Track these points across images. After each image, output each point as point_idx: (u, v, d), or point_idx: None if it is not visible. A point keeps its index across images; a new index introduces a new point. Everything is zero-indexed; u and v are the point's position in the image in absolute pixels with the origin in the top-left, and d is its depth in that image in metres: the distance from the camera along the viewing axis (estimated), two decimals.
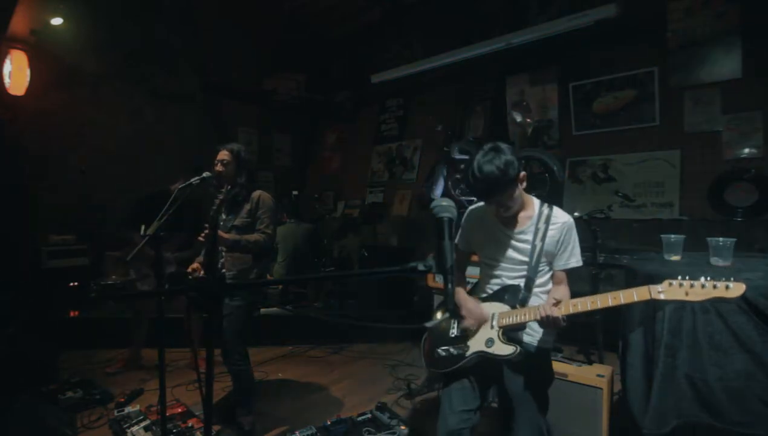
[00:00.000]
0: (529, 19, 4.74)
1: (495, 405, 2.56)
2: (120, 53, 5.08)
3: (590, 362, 2.73)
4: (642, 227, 3.97)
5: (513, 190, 1.61)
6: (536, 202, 1.76)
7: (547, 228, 1.68)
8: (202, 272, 2.61)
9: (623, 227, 4.04)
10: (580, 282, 3.32)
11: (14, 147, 4.37)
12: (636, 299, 1.42)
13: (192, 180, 2.63)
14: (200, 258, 2.76)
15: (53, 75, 4.62)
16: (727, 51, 3.68)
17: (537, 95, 4.84)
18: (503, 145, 1.61)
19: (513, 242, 1.72)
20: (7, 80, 4.32)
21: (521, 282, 1.71)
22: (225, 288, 1.90)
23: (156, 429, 2.56)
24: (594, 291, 2.87)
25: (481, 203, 1.79)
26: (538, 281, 1.71)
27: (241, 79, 6.36)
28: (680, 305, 1.76)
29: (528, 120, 4.93)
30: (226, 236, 2.48)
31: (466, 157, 3.99)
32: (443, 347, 1.77)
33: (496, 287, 1.77)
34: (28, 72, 4.43)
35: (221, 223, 2.61)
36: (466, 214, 1.89)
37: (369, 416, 2.72)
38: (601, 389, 2.22)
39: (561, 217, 1.71)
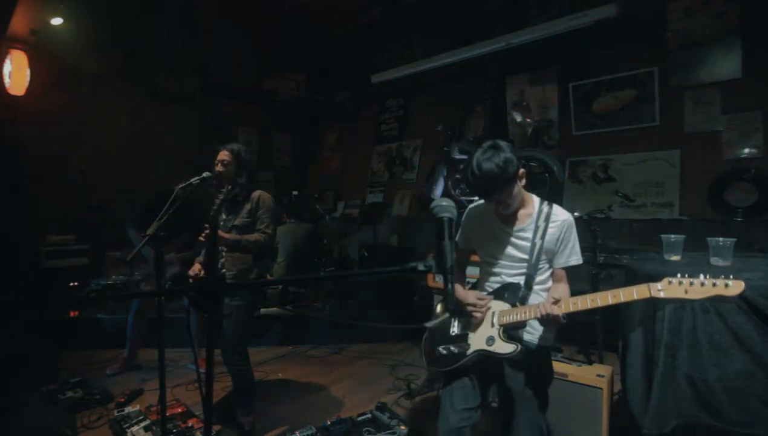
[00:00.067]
0: (529, 19, 4.75)
1: (495, 405, 2.57)
2: (120, 53, 5.08)
3: (590, 362, 2.73)
4: (642, 226, 3.97)
5: (512, 188, 1.61)
6: (536, 199, 1.76)
7: (547, 226, 1.68)
8: (202, 273, 2.61)
9: (623, 227, 4.04)
10: (580, 282, 3.32)
11: (14, 147, 4.37)
12: (636, 297, 1.42)
13: (192, 180, 2.63)
14: (200, 258, 2.76)
15: (53, 75, 4.62)
16: (727, 51, 3.68)
17: (537, 95, 4.84)
18: (502, 143, 1.61)
19: (513, 240, 1.73)
20: (7, 80, 4.32)
21: (521, 280, 1.71)
22: (225, 288, 1.91)
23: (156, 429, 2.55)
24: (594, 291, 2.87)
25: (481, 201, 1.80)
26: (538, 278, 1.72)
27: (241, 79, 6.37)
28: (680, 305, 1.77)
29: (528, 120, 4.93)
30: (226, 235, 2.48)
31: (466, 157, 3.99)
32: (444, 346, 1.77)
33: (496, 285, 1.77)
34: (28, 72, 4.43)
35: (221, 223, 2.61)
36: (465, 213, 1.89)
37: (369, 416, 2.72)
38: (601, 389, 2.22)
39: (561, 214, 1.71)
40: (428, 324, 1.74)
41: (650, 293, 1.39)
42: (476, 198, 1.95)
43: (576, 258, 1.71)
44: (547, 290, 1.74)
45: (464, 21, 5.36)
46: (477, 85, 5.44)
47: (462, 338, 1.74)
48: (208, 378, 1.20)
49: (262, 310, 4.16)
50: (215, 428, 2.59)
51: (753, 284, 1.64)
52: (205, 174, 2.61)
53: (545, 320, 1.55)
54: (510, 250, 1.73)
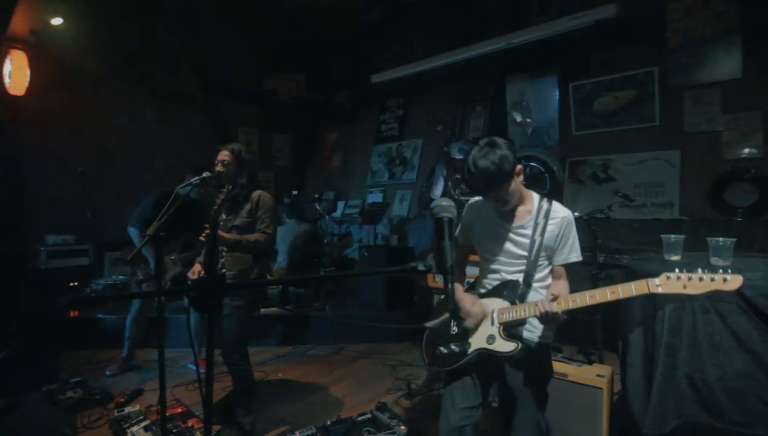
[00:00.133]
0: (529, 19, 4.75)
1: (495, 405, 2.57)
2: (120, 53, 5.09)
3: (590, 362, 2.73)
4: (642, 226, 3.97)
5: (508, 185, 1.61)
6: (535, 196, 1.75)
7: (547, 223, 1.67)
8: (202, 273, 2.61)
9: (623, 227, 4.04)
10: (580, 282, 3.32)
11: (14, 147, 4.37)
12: (634, 292, 1.41)
13: (192, 180, 2.63)
14: (201, 258, 2.76)
15: (53, 75, 4.63)
16: (727, 51, 3.68)
17: (537, 95, 4.84)
18: (499, 140, 1.61)
19: (512, 236, 1.72)
20: (7, 80, 4.33)
21: (520, 277, 1.70)
22: (225, 288, 1.91)
23: (156, 429, 2.55)
24: None
25: (481, 197, 1.79)
26: (537, 275, 1.71)
27: (241, 79, 6.37)
28: (680, 305, 1.77)
29: (528, 120, 4.93)
30: (226, 235, 2.48)
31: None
32: (445, 346, 1.77)
33: (495, 283, 1.77)
34: (28, 72, 4.43)
35: (221, 223, 2.61)
36: (465, 208, 1.89)
37: (369, 416, 2.72)
38: (601, 389, 2.22)
39: (560, 211, 1.70)
40: (428, 324, 1.74)
41: (649, 288, 1.38)
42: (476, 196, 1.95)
43: (576, 255, 1.71)
44: (547, 287, 1.74)
45: (464, 21, 5.36)
46: (477, 85, 5.44)
47: (462, 337, 1.74)
48: (208, 378, 1.20)
49: (262, 310, 4.17)
50: (215, 428, 2.58)
51: (753, 284, 1.64)
52: (205, 174, 2.61)
53: (544, 318, 1.55)
54: (509, 246, 1.73)
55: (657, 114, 4.04)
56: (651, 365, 1.85)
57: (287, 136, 7.20)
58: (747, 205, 3.52)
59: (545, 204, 1.71)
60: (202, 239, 2.46)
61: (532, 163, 4.04)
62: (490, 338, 1.67)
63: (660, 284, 1.37)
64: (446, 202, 1.25)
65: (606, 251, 3.46)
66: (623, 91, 4.23)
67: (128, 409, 2.78)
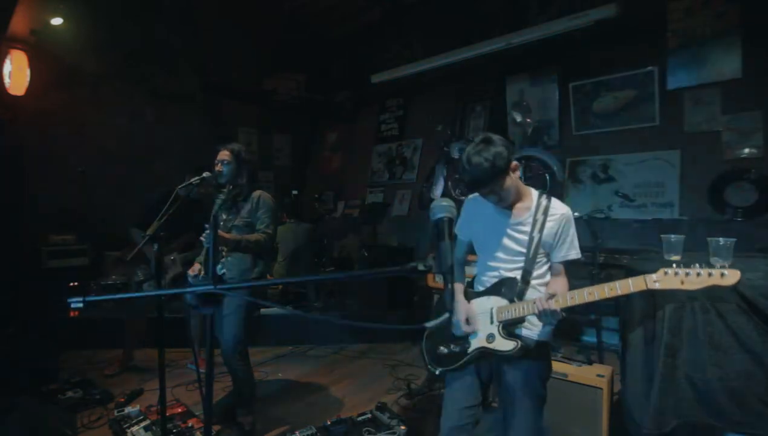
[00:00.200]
0: (529, 19, 4.75)
1: (495, 405, 2.56)
2: (120, 53, 5.08)
3: (590, 362, 2.73)
4: (642, 227, 3.97)
5: (503, 181, 1.61)
6: (534, 193, 1.75)
7: (545, 220, 1.67)
8: (202, 273, 2.61)
9: (623, 227, 4.04)
10: (580, 282, 3.33)
11: (14, 147, 4.37)
12: (632, 288, 1.42)
13: (192, 180, 2.63)
14: (201, 258, 2.76)
15: (53, 75, 4.62)
16: (727, 51, 3.68)
17: (537, 95, 4.84)
18: (495, 137, 1.62)
19: (510, 233, 1.72)
20: (7, 80, 4.32)
21: (518, 274, 1.70)
22: (225, 288, 1.90)
23: (156, 429, 2.56)
24: None
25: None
26: (536, 272, 1.71)
27: (241, 79, 6.36)
28: (680, 305, 1.77)
29: (528, 120, 4.93)
30: (227, 235, 2.48)
31: None
32: (445, 345, 1.78)
33: (494, 280, 1.76)
34: (28, 72, 4.43)
35: (221, 223, 2.61)
36: (465, 203, 1.89)
37: (369, 416, 2.72)
38: (601, 389, 2.22)
39: (559, 208, 1.70)
40: (428, 324, 1.74)
41: (646, 284, 1.39)
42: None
43: (575, 252, 1.71)
44: (545, 284, 1.73)
45: (464, 21, 5.36)
46: (477, 85, 5.44)
47: (462, 337, 1.74)
48: (208, 378, 1.20)
49: (262, 310, 4.18)
50: (215, 428, 2.59)
51: (753, 284, 1.65)
52: (205, 174, 2.61)
53: (543, 315, 1.55)
54: (508, 243, 1.72)
55: (657, 114, 4.04)
56: (651, 365, 1.85)
57: (287, 136, 7.19)
58: (747, 205, 3.52)
59: (544, 201, 1.71)
60: (202, 239, 2.46)
61: (532, 163, 4.04)
62: (490, 337, 1.67)
63: (657, 280, 1.37)
64: (446, 202, 1.25)
65: (606, 251, 3.46)
66: (623, 91, 4.22)
67: (128, 409, 2.78)
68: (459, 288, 1.84)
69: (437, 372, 1.80)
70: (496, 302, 1.70)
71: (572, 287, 1.75)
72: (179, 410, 2.83)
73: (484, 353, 1.68)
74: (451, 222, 1.17)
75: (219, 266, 2.58)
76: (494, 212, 1.75)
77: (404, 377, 3.45)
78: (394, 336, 4.38)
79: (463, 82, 5.52)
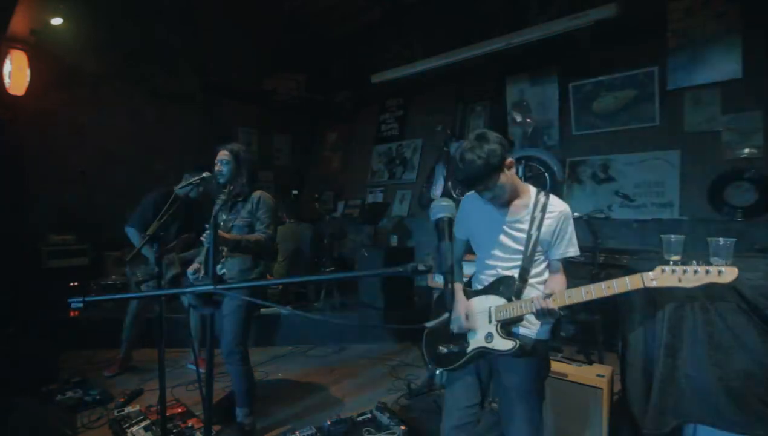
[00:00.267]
0: (529, 19, 4.75)
1: (495, 405, 2.56)
2: (120, 53, 5.09)
3: (590, 362, 2.73)
4: (642, 227, 3.97)
5: (497, 178, 1.59)
6: (532, 190, 1.74)
7: (543, 217, 1.66)
8: (202, 273, 2.61)
9: (623, 227, 4.04)
10: (580, 282, 3.33)
11: (14, 147, 4.37)
12: (629, 287, 1.41)
13: (192, 180, 2.63)
14: (201, 258, 2.75)
15: (53, 75, 4.62)
16: (727, 51, 3.68)
17: (537, 95, 4.84)
18: (490, 134, 1.61)
19: (508, 231, 1.71)
20: (7, 80, 4.32)
21: (516, 272, 1.69)
22: (225, 288, 1.90)
23: (156, 429, 2.55)
24: None
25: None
26: (534, 271, 1.70)
27: (241, 79, 6.37)
28: (680, 305, 1.77)
29: (528, 120, 4.93)
30: (227, 236, 2.48)
31: None
32: (444, 345, 1.77)
33: (491, 279, 1.75)
34: (28, 72, 4.43)
35: (221, 223, 2.61)
36: (462, 201, 1.88)
37: (369, 416, 2.72)
38: (601, 389, 2.22)
39: (558, 205, 1.69)
40: (428, 324, 1.74)
41: (643, 282, 1.38)
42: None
43: (573, 250, 1.69)
44: (544, 282, 1.72)
45: (464, 21, 5.36)
46: (477, 85, 5.44)
47: (461, 336, 1.74)
48: (208, 378, 1.20)
49: (262, 310, 4.18)
50: (215, 428, 2.58)
51: (753, 284, 1.65)
52: (205, 174, 2.61)
53: (540, 314, 1.55)
54: (505, 240, 1.71)
55: (657, 114, 4.04)
56: (651, 365, 1.85)
57: (287, 136, 7.20)
58: (747, 205, 3.52)
59: (542, 198, 1.70)
60: (203, 239, 2.46)
61: (532, 163, 4.05)
62: (488, 337, 1.67)
63: (654, 278, 1.37)
64: (445, 202, 1.25)
65: (606, 251, 3.46)
66: (623, 91, 4.22)
67: (128, 409, 2.78)
68: (458, 287, 1.84)
69: (437, 372, 1.80)
70: (494, 300, 1.70)
71: (572, 286, 1.75)
72: (179, 410, 2.83)
73: (483, 352, 1.68)
74: (451, 222, 1.17)
75: (219, 266, 2.57)
76: (491, 210, 1.74)
77: (404, 377, 3.45)
78: (394, 336, 4.38)
79: (463, 82, 5.52)
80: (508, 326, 1.66)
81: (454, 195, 4.49)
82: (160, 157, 5.24)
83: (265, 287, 3.68)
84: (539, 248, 1.68)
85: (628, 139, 4.21)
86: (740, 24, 3.61)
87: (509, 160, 1.62)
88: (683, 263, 1.33)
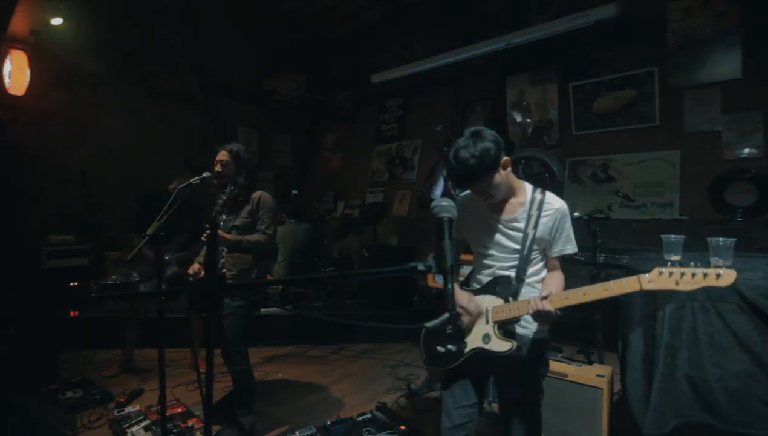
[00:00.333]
0: (529, 19, 4.75)
1: (495, 404, 2.57)
2: (120, 53, 5.09)
3: (590, 362, 2.73)
4: (642, 227, 3.97)
5: (491, 178, 1.57)
6: (528, 187, 1.72)
7: (540, 215, 1.64)
8: (202, 273, 2.61)
9: (623, 227, 4.04)
10: (579, 282, 3.32)
11: (14, 147, 4.37)
12: (626, 289, 1.40)
13: (192, 180, 2.63)
14: (200, 258, 2.76)
15: (53, 75, 4.63)
16: (727, 51, 3.68)
17: (537, 95, 4.84)
18: (485, 132, 1.59)
19: (505, 230, 1.69)
20: (7, 80, 4.33)
21: (513, 271, 1.68)
22: (225, 288, 1.91)
23: (156, 429, 2.56)
24: None
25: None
26: (531, 269, 1.68)
27: (241, 79, 6.37)
28: (680, 305, 1.77)
29: (528, 120, 4.93)
30: (227, 236, 2.49)
31: None
32: (441, 345, 1.77)
33: (488, 278, 1.74)
34: (28, 72, 4.43)
35: (221, 223, 2.62)
36: (458, 200, 1.87)
37: (369, 416, 2.72)
38: (601, 389, 2.22)
39: (554, 203, 1.67)
40: (428, 324, 1.74)
41: (640, 284, 1.37)
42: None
43: (571, 247, 1.68)
44: (541, 280, 1.71)
45: (464, 21, 5.36)
46: (477, 85, 5.44)
47: (458, 337, 1.73)
48: (208, 378, 1.20)
49: (262, 310, 4.18)
50: (215, 428, 2.59)
51: (753, 284, 1.65)
52: (205, 174, 2.61)
53: (538, 316, 1.54)
54: (502, 240, 1.70)
55: (657, 114, 4.04)
56: (651, 365, 1.85)
57: (287, 136, 7.20)
58: (747, 205, 3.52)
59: (538, 195, 1.68)
60: (204, 239, 2.46)
61: (532, 163, 4.04)
62: (486, 337, 1.65)
63: (652, 280, 1.35)
64: (446, 202, 1.25)
65: (606, 251, 3.46)
66: (623, 91, 4.22)
67: (128, 409, 2.79)
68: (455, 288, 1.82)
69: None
70: (491, 301, 1.68)
71: (571, 286, 1.74)
72: (179, 410, 2.83)
73: (480, 353, 1.68)
74: (452, 222, 1.17)
75: (219, 266, 2.57)
76: (487, 209, 1.72)
77: (404, 377, 3.45)
78: (394, 336, 4.38)
79: (463, 82, 5.52)
80: (505, 327, 1.65)
81: (455, 195, 4.49)
82: (160, 157, 5.24)
83: (265, 287, 3.67)
84: (536, 247, 1.67)
85: (628, 139, 4.21)
86: (740, 24, 3.61)
87: (505, 159, 1.60)
88: (682, 265, 1.32)
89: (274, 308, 4.31)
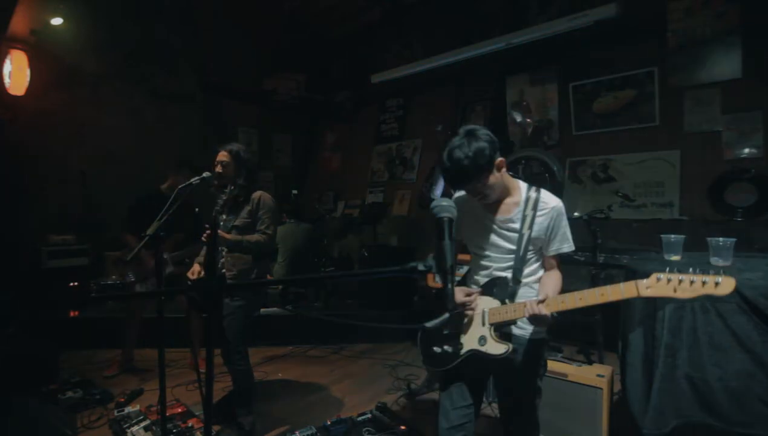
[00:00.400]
0: (529, 19, 4.74)
1: (495, 404, 2.57)
2: (120, 53, 5.09)
3: (590, 362, 2.73)
4: (642, 227, 3.97)
5: (485, 179, 1.55)
6: (523, 186, 1.70)
7: (535, 214, 1.62)
8: (202, 274, 2.61)
9: (623, 227, 4.04)
10: (580, 282, 3.33)
11: (14, 147, 4.37)
12: (623, 295, 1.38)
13: (192, 180, 2.63)
14: (200, 258, 2.76)
15: (53, 75, 4.63)
16: (727, 51, 3.68)
17: (537, 95, 4.84)
18: (480, 131, 1.56)
19: (500, 230, 1.68)
20: (7, 80, 4.33)
21: (509, 272, 1.66)
22: (225, 288, 1.91)
23: (156, 429, 2.56)
24: None
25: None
26: (527, 270, 1.67)
27: (241, 79, 6.37)
28: (680, 305, 1.77)
29: (528, 120, 4.93)
30: (227, 236, 2.49)
31: None
32: (438, 346, 1.76)
33: (485, 279, 1.73)
34: (28, 72, 4.43)
35: (221, 223, 2.62)
36: (453, 200, 1.86)
37: (369, 416, 2.72)
38: (601, 389, 2.23)
39: (550, 201, 1.65)
40: (428, 324, 1.73)
41: (638, 291, 1.35)
42: None
43: (568, 245, 1.66)
44: (538, 280, 1.70)
45: (464, 21, 5.36)
46: (477, 85, 5.44)
47: (455, 338, 1.72)
48: (208, 378, 1.20)
49: (262, 310, 4.17)
50: (215, 428, 2.59)
51: (753, 284, 1.65)
52: (205, 174, 2.61)
53: (534, 320, 1.53)
54: (498, 240, 1.69)
55: (657, 114, 4.04)
56: (651, 365, 1.85)
57: (287, 136, 7.20)
58: (747, 205, 3.52)
59: (533, 193, 1.66)
60: (204, 239, 2.46)
61: (532, 163, 4.04)
62: (481, 340, 1.64)
63: (649, 286, 1.33)
64: (446, 202, 1.24)
65: (606, 251, 3.46)
66: (623, 91, 4.22)
67: (128, 409, 2.79)
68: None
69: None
70: (488, 302, 1.67)
71: (571, 287, 1.74)
72: (179, 410, 2.83)
73: (476, 355, 1.66)
74: (452, 222, 1.16)
75: (218, 266, 2.57)
76: (482, 209, 1.70)
77: (404, 377, 3.45)
78: (394, 336, 4.38)
79: (463, 82, 5.52)
80: (501, 329, 1.64)
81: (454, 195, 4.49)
82: (160, 157, 5.24)
83: (265, 287, 3.68)
84: (531, 247, 1.65)
85: (628, 139, 4.21)
86: (740, 24, 3.61)
87: (499, 159, 1.58)
88: (680, 270, 1.30)
89: (274, 308, 4.30)
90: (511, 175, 1.73)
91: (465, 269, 1.94)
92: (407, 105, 6.31)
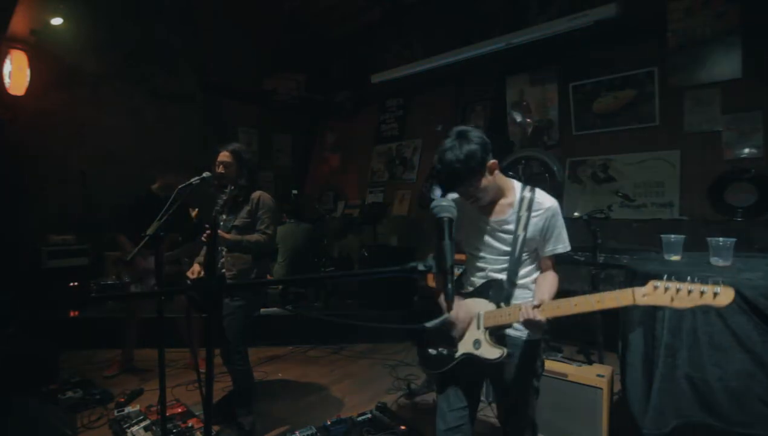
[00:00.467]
0: (529, 19, 4.75)
1: (495, 404, 2.56)
2: (120, 53, 5.09)
3: (590, 362, 2.73)
4: (642, 227, 3.97)
5: (477, 181, 1.54)
6: (517, 186, 1.68)
7: (530, 215, 1.61)
8: (202, 274, 2.61)
9: (623, 227, 4.04)
10: (580, 282, 3.33)
11: (14, 147, 4.37)
12: (619, 302, 1.37)
13: (192, 180, 2.63)
14: (200, 258, 2.76)
15: (53, 75, 4.63)
16: (727, 51, 3.68)
17: (537, 95, 4.84)
18: (472, 133, 1.54)
19: (495, 232, 1.66)
20: (7, 80, 4.33)
21: (505, 274, 1.65)
22: (225, 288, 1.91)
23: (156, 429, 2.56)
24: (594, 291, 2.87)
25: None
26: (522, 271, 1.66)
27: (241, 79, 6.37)
28: None
29: (528, 120, 4.93)
30: (227, 236, 2.49)
31: None
32: (433, 348, 1.75)
33: (480, 281, 1.72)
34: (28, 72, 4.43)
35: (221, 223, 2.62)
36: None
37: (369, 416, 2.72)
38: (601, 389, 2.22)
39: (545, 202, 1.63)
40: (428, 325, 1.73)
41: (634, 299, 1.34)
42: None
43: (563, 246, 1.64)
44: (534, 281, 1.69)
45: (464, 21, 5.36)
46: (477, 85, 5.44)
47: (450, 341, 1.71)
48: (208, 378, 1.20)
49: (262, 310, 4.17)
50: (215, 428, 2.59)
51: (753, 284, 1.64)
52: (205, 174, 2.61)
53: (528, 324, 1.51)
54: (493, 242, 1.67)
55: (657, 114, 4.04)
56: (651, 365, 1.85)
57: (287, 136, 7.20)
58: (747, 205, 3.52)
59: (528, 194, 1.64)
60: (204, 239, 2.46)
61: (532, 163, 4.05)
62: (476, 343, 1.63)
63: (646, 294, 1.32)
64: (446, 202, 1.24)
65: (606, 251, 3.46)
66: (623, 91, 4.23)
67: (128, 409, 2.79)
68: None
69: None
70: (483, 305, 1.65)
71: (571, 287, 1.74)
72: (179, 410, 2.83)
73: (471, 358, 1.65)
74: (452, 222, 1.16)
75: (218, 266, 2.57)
76: (477, 211, 1.68)
77: (404, 377, 3.45)
78: (394, 336, 4.38)
79: (463, 82, 5.52)
80: (496, 332, 1.63)
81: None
82: (160, 157, 5.24)
83: (265, 287, 3.68)
84: (526, 248, 1.64)
85: (628, 139, 4.21)
86: (740, 24, 3.61)
87: (492, 162, 1.56)
88: (678, 278, 1.30)
89: (274, 308, 4.30)
90: (510, 175, 1.72)
91: (463, 268, 1.94)
92: (407, 105, 6.31)
